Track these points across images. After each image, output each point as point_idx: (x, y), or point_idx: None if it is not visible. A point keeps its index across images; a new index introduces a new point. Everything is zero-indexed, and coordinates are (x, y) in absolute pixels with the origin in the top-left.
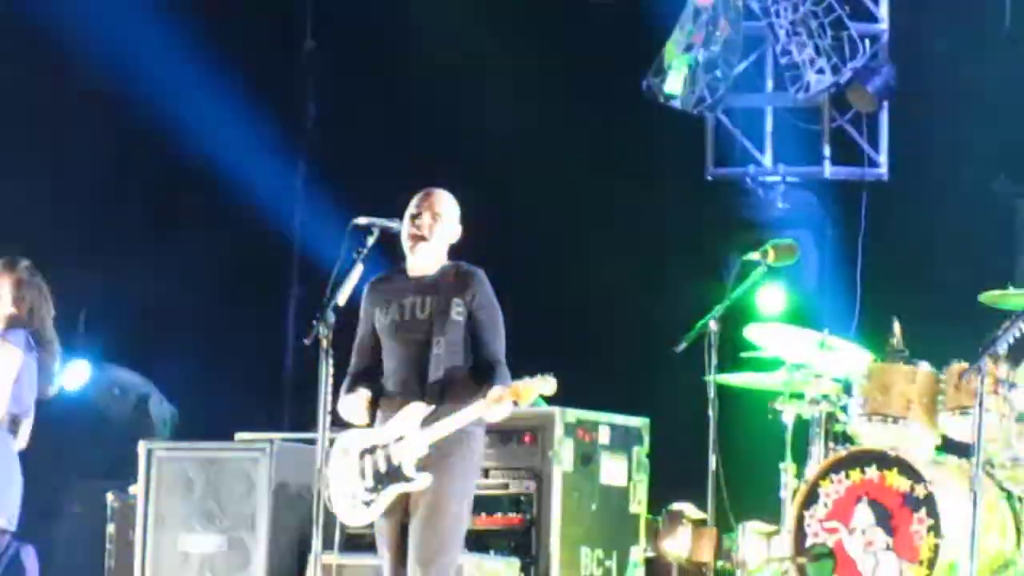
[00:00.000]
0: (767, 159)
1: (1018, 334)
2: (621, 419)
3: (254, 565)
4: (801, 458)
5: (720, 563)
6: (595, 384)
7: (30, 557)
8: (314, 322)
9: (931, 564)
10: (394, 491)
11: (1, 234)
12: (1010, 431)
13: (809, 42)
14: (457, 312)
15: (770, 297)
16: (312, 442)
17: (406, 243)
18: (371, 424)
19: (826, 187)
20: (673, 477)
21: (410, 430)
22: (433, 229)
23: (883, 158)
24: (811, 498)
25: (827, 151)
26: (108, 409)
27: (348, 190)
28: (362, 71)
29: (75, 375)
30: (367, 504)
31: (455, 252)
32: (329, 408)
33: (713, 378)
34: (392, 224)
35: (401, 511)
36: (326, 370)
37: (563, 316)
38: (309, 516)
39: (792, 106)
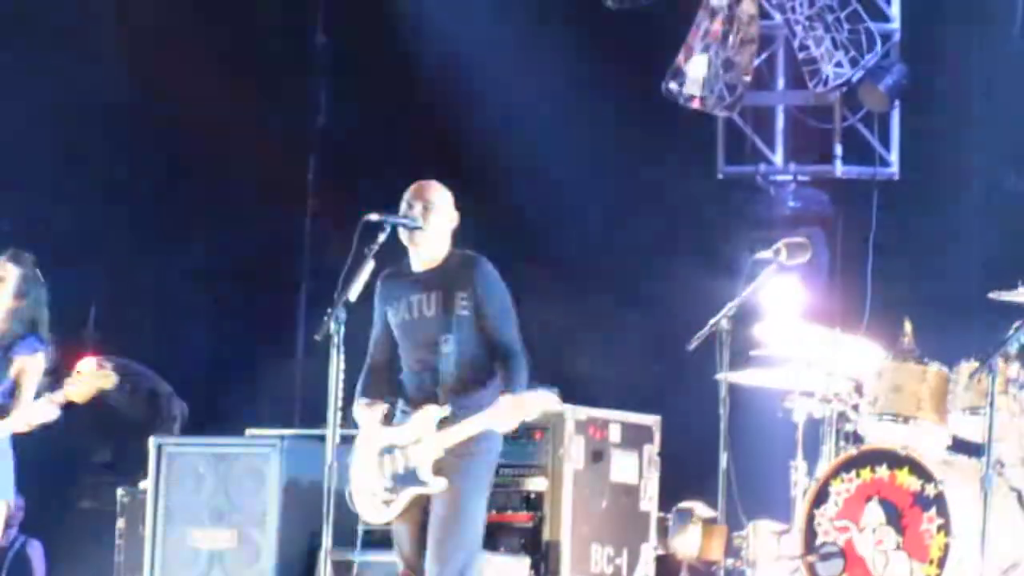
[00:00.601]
0: (778, 157)
1: None
2: (632, 417)
3: (264, 561)
4: (812, 456)
5: (730, 561)
6: (606, 382)
7: (37, 552)
8: (325, 318)
9: (941, 563)
10: (410, 493)
11: (11, 229)
12: (1021, 430)
13: (826, 36)
14: (463, 307)
15: (781, 295)
16: (323, 438)
17: (407, 237)
18: (391, 420)
19: (837, 186)
20: (683, 475)
21: (426, 433)
22: (428, 219)
23: (894, 157)
24: (821, 497)
25: (838, 150)
26: (118, 404)
27: (359, 185)
28: (373, 65)
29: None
30: (386, 504)
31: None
32: (340, 404)
33: (724, 376)
34: (404, 220)
35: (419, 510)
36: (337, 366)
37: (574, 313)
38: (319, 512)
39: (803, 104)
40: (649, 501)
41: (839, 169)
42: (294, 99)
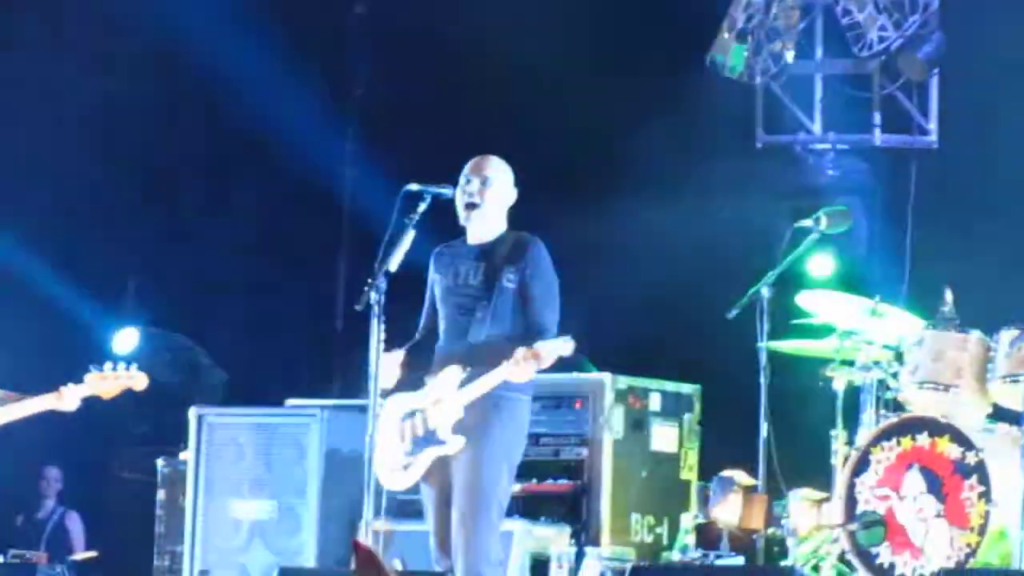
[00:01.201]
0: (817, 127)
1: None
2: (672, 386)
3: (304, 531)
4: (852, 425)
5: (771, 530)
6: (646, 351)
7: (76, 523)
8: (366, 288)
9: (982, 531)
10: (429, 455)
11: (54, 203)
12: None
13: (869, 1)
14: (508, 280)
15: (821, 264)
16: (363, 408)
17: (460, 212)
18: (405, 386)
19: (876, 155)
20: (724, 444)
21: (446, 393)
22: (484, 195)
23: (933, 125)
24: (862, 465)
25: (877, 119)
26: (159, 375)
27: (398, 155)
28: (412, 34)
29: (125, 341)
30: (405, 468)
31: (513, 220)
32: (381, 372)
33: (765, 345)
34: (444, 190)
35: (443, 476)
36: (377, 336)
37: (615, 283)
38: (360, 482)
39: (842, 73)
40: (689, 470)
41: (878, 138)
42: (333, 69)
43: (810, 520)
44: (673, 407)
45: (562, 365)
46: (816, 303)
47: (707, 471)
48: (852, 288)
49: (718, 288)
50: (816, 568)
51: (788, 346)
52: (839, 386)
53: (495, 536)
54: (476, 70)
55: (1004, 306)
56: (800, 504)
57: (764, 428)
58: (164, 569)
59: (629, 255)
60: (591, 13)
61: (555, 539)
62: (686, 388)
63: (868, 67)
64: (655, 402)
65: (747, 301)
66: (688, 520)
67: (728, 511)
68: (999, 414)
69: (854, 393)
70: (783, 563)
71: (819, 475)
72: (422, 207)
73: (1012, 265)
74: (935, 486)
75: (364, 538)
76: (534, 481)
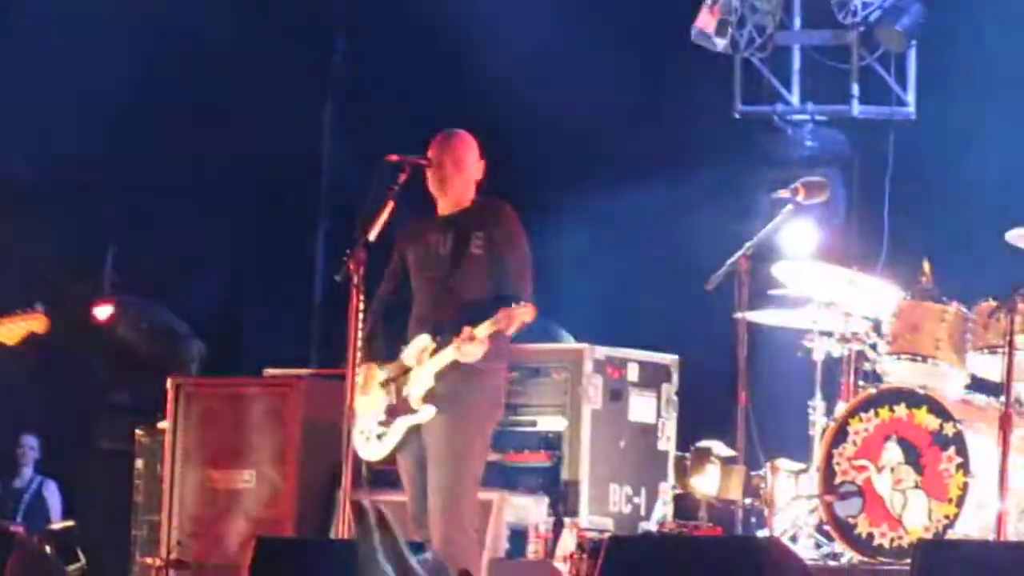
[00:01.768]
0: (795, 98)
1: None
2: (650, 356)
3: (282, 501)
4: (830, 396)
5: (749, 500)
6: (625, 321)
7: (53, 492)
8: (344, 259)
9: (960, 502)
10: (403, 424)
11: (29, 172)
12: None
13: None
14: (477, 245)
15: (799, 235)
16: (341, 378)
17: (431, 184)
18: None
19: (854, 126)
20: (702, 415)
21: (417, 362)
22: (453, 172)
23: (911, 97)
24: (840, 436)
25: (855, 90)
26: (137, 344)
27: (377, 125)
28: (391, 5)
29: (102, 311)
30: (379, 437)
31: (488, 190)
32: (359, 344)
33: (743, 316)
34: (423, 161)
35: (418, 445)
36: (356, 306)
37: (592, 253)
38: (337, 452)
39: (820, 44)
40: (667, 441)
41: (856, 109)
42: (312, 40)
43: (788, 491)
44: (651, 378)
45: (541, 336)
46: (794, 274)
47: (685, 442)
48: (830, 259)
49: (696, 259)
50: (794, 539)
51: (766, 317)
52: (817, 357)
53: (471, 505)
54: (453, 42)
55: (982, 277)
56: (778, 475)
57: (742, 399)
58: (142, 539)
59: (607, 226)
60: None
61: (533, 509)
62: (664, 359)
63: (846, 38)
64: (633, 372)
65: (725, 272)
66: (666, 491)
67: (706, 482)
68: (977, 385)
69: (832, 364)
70: (761, 534)
71: (797, 446)
72: (401, 178)
73: (990, 236)
74: (913, 457)
75: (343, 508)
76: (512, 451)
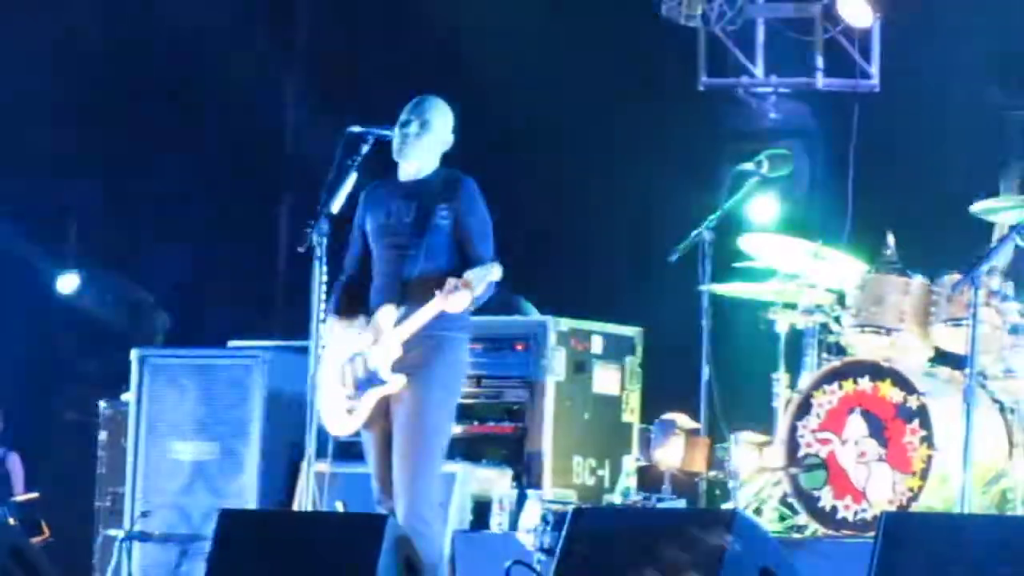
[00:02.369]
0: (759, 70)
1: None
2: (614, 328)
3: (246, 473)
4: (794, 368)
5: (712, 473)
6: (589, 293)
7: (16, 464)
8: (308, 230)
9: (924, 475)
10: (372, 396)
11: None
12: (1002, 342)
13: None
14: (441, 216)
15: (763, 207)
16: (305, 350)
17: (396, 150)
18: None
19: (818, 98)
20: (666, 387)
21: (382, 332)
22: (421, 136)
23: (875, 69)
24: (804, 409)
25: (819, 62)
26: (101, 316)
27: (341, 97)
28: None
29: (67, 283)
30: (349, 412)
31: (448, 161)
32: (322, 316)
33: (707, 288)
34: (387, 132)
35: (384, 419)
36: (319, 278)
37: (556, 226)
38: (302, 424)
39: (784, 17)
40: (631, 413)
41: (820, 81)
42: (277, 10)
43: (752, 463)
44: (615, 349)
45: (502, 307)
46: (758, 246)
47: (649, 414)
48: (794, 231)
49: (660, 231)
50: (758, 511)
51: (730, 289)
52: (781, 329)
53: (436, 477)
54: (422, 12)
55: (946, 250)
56: (742, 447)
57: (706, 371)
58: (106, 510)
59: (570, 197)
60: None
61: (497, 481)
62: (628, 331)
63: (810, 11)
64: (597, 344)
65: (689, 244)
66: (630, 463)
67: (670, 454)
68: (941, 358)
69: (796, 336)
70: (725, 506)
71: (761, 418)
72: (364, 149)
73: (954, 209)
74: (877, 430)
75: (306, 479)
76: (476, 423)
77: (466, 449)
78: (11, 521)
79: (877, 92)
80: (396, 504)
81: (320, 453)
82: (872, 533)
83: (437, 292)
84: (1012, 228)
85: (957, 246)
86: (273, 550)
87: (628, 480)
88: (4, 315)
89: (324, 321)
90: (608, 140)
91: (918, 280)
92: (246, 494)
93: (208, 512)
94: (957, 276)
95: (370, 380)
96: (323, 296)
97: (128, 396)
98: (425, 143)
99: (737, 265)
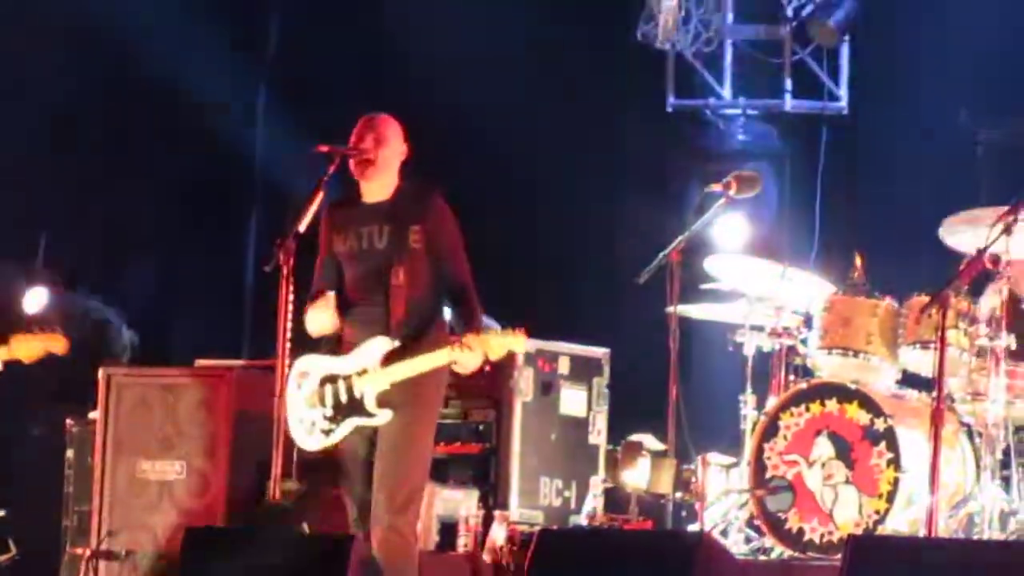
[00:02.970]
0: (727, 91)
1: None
2: (581, 349)
3: (213, 491)
4: (761, 390)
5: (679, 494)
6: (556, 314)
7: None
8: (275, 249)
9: (890, 498)
10: (353, 423)
11: None
12: (970, 365)
13: None
14: (415, 240)
15: (731, 229)
16: (272, 369)
17: (357, 171)
18: (337, 341)
19: (787, 120)
20: (633, 408)
21: (372, 364)
22: (378, 152)
23: (843, 91)
24: (771, 430)
25: (788, 84)
26: (68, 334)
27: (310, 115)
28: None
29: (34, 300)
30: (326, 433)
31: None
32: (289, 335)
33: (674, 309)
34: (352, 151)
35: (362, 440)
36: (286, 297)
37: (524, 246)
38: (268, 443)
39: (753, 39)
40: (598, 434)
41: (788, 103)
42: (245, 25)
43: (719, 485)
44: (582, 371)
45: None
46: (725, 268)
47: (616, 435)
48: (762, 253)
49: (627, 252)
50: (724, 533)
51: (697, 311)
52: (748, 351)
53: (419, 499)
54: (389, 30)
55: (914, 272)
56: (709, 469)
57: (673, 392)
58: (72, 529)
59: (539, 218)
60: None
61: (463, 501)
62: (596, 352)
63: (779, 33)
64: (564, 365)
65: (657, 265)
66: (597, 484)
67: (636, 475)
68: (909, 380)
69: (763, 358)
70: (691, 528)
71: (728, 440)
72: (331, 168)
73: (921, 231)
74: (844, 452)
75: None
76: (443, 443)
77: (433, 469)
78: None
79: (845, 114)
80: (373, 524)
81: (287, 472)
82: (839, 556)
83: (445, 345)
84: (979, 251)
85: (925, 268)
86: (241, 569)
87: (595, 501)
88: None
89: (293, 337)
90: (576, 160)
91: (886, 302)
92: (213, 513)
93: (175, 531)
94: (925, 298)
95: (354, 408)
96: (291, 314)
97: (95, 414)
98: (382, 156)
99: (705, 286)
